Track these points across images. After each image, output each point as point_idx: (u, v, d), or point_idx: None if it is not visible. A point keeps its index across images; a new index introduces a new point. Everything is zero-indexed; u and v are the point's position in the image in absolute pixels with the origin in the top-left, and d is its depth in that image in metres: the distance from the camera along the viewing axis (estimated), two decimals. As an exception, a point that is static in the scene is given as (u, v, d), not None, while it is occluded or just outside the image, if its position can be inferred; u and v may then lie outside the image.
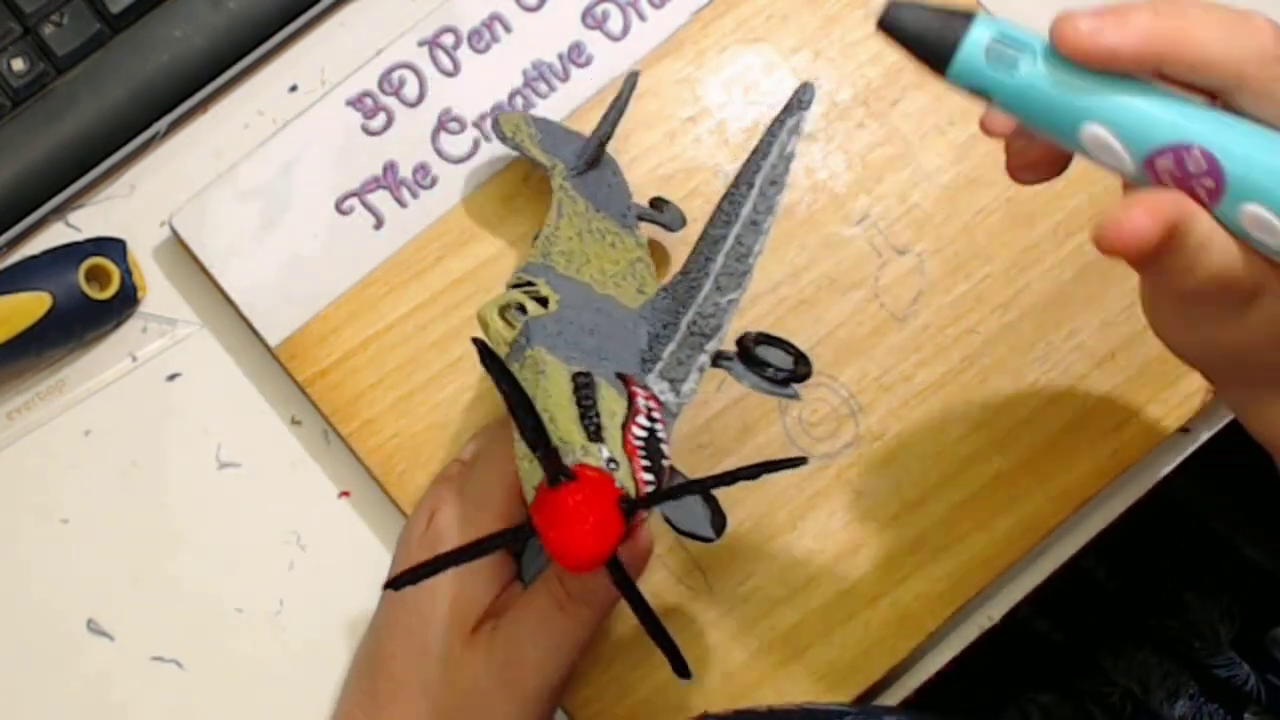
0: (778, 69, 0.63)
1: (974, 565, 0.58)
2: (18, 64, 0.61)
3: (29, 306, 0.59)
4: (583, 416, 0.45)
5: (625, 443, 0.45)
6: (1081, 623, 0.77)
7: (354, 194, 0.62)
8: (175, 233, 0.61)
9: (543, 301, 0.51)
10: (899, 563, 0.58)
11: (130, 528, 0.61)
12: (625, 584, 0.46)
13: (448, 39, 0.62)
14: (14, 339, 0.59)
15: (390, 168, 0.62)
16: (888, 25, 0.43)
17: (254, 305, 0.61)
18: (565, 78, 0.62)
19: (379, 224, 0.61)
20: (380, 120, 0.62)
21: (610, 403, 0.46)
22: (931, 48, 0.43)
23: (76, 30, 0.61)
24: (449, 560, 0.45)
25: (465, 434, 0.59)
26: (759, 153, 0.51)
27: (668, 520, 0.51)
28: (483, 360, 0.45)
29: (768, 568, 0.58)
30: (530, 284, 0.51)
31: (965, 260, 0.61)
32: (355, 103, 0.62)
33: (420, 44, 0.63)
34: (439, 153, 0.62)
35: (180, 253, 0.62)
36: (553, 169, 0.57)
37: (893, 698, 0.59)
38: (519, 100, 0.62)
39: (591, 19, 0.63)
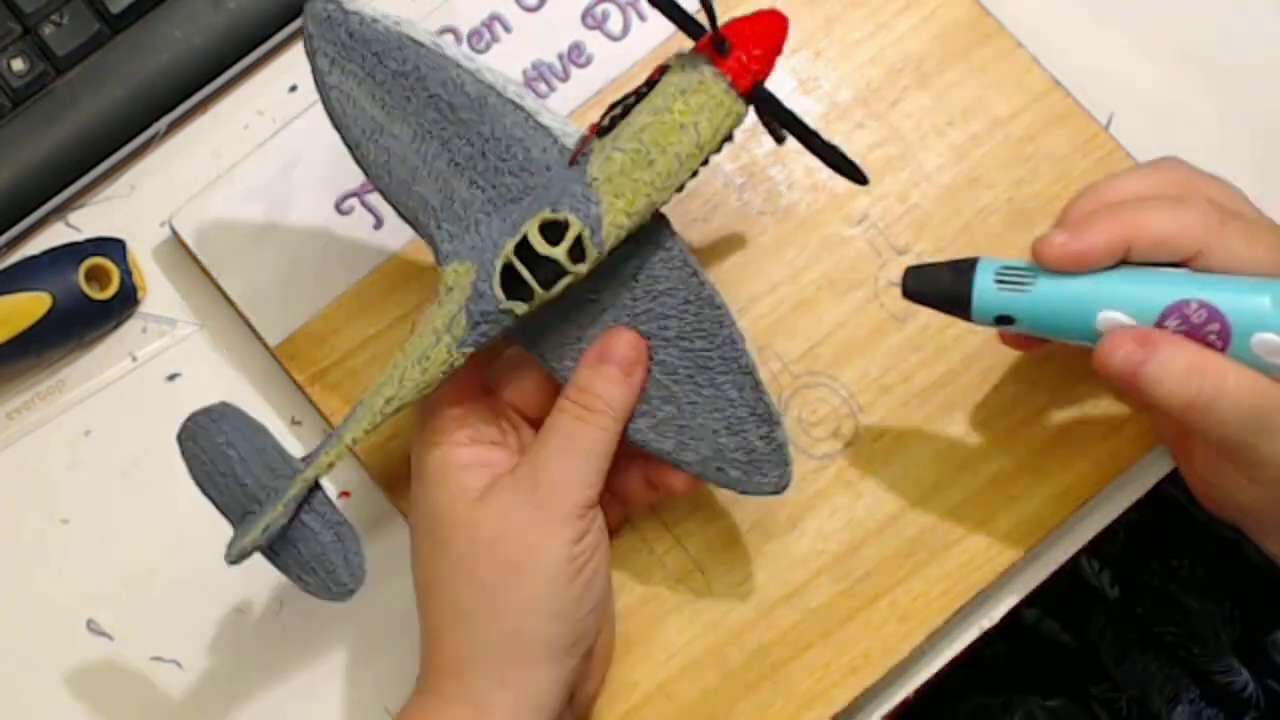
0: (777, 69, 0.62)
1: (973, 565, 0.58)
2: (18, 64, 0.61)
3: (29, 306, 0.59)
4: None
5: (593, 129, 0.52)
6: (1086, 628, 0.76)
7: (354, 194, 0.62)
8: (175, 233, 0.61)
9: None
10: (898, 563, 0.58)
11: (130, 528, 0.61)
12: (777, 104, 0.52)
13: (447, 39, 0.62)
14: (14, 339, 0.59)
15: (390, 168, 0.62)
16: (910, 293, 0.52)
17: (254, 305, 0.61)
18: (565, 78, 0.62)
19: (379, 224, 0.61)
20: (380, 120, 0.62)
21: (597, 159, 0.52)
22: (952, 300, 0.51)
23: (76, 30, 0.62)
24: None
25: (465, 434, 0.59)
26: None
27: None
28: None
29: (767, 568, 0.58)
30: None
31: (965, 260, 0.60)
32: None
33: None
34: (439, 153, 0.62)
35: (180, 253, 0.62)
36: None
37: (892, 699, 0.59)
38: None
39: (591, 19, 0.63)
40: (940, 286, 0.51)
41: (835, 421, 0.59)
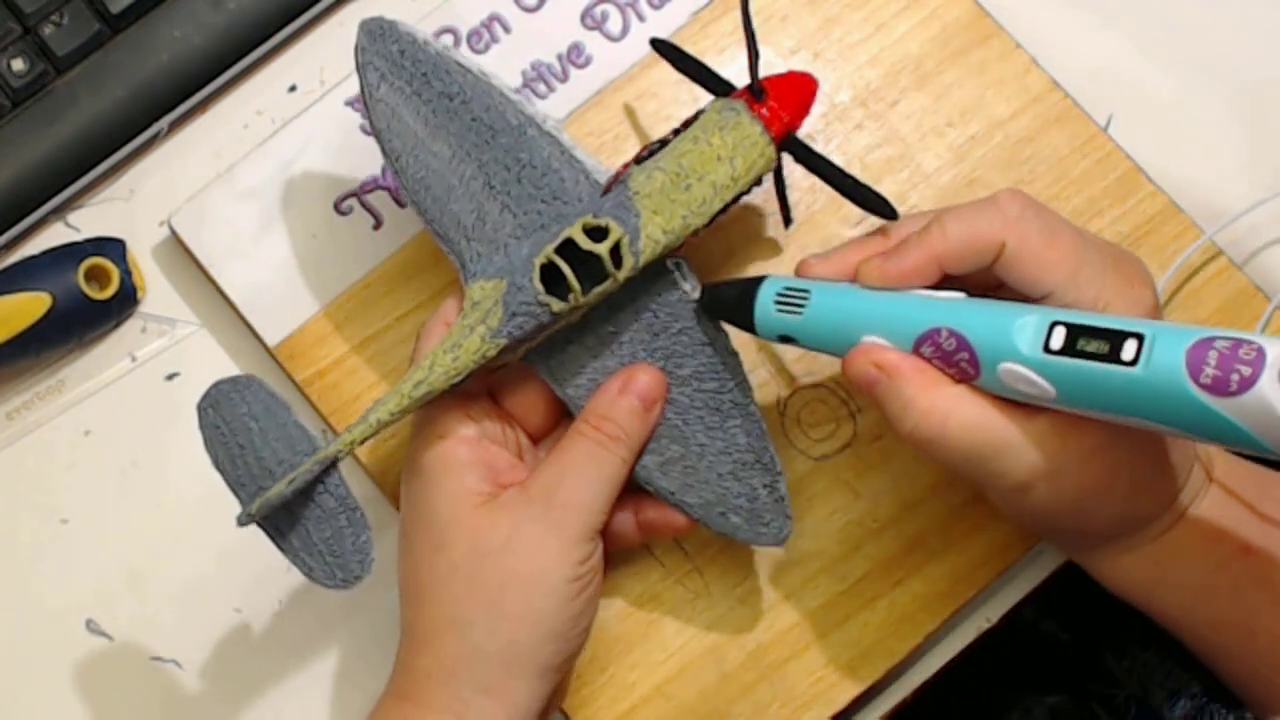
0: (777, 70, 0.62)
1: (972, 566, 0.58)
2: (18, 64, 0.61)
3: (29, 306, 0.60)
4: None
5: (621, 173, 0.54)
6: (1086, 623, 0.76)
7: (353, 194, 0.62)
8: (174, 233, 0.61)
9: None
10: (897, 564, 0.58)
11: (130, 528, 0.61)
12: (808, 151, 0.55)
13: (447, 39, 0.62)
14: (14, 339, 0.59)
15: (389, 168, 0.62)
16: (705, 308, 0.54)
17: (253, 305, 0.61)
18: (564, 78, 0.62)
19: (378, 224, 0.61)
20: (379, 121, 0.62)
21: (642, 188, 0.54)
22: (740, 321, 0.53)
23: (76, 30, 0.62)
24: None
25: (464, 435, 0.59)
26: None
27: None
28: (661, 51, 0.57)
29: (765, 569, 0.58)
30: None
31: (964, 261, 0.60)
32: (354, 103, 0.62)
33: (419, 44, 0.63)
34: (438, 153, 0.62)
35: (179, 253, 0.62)
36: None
37: (891, 699, 0.59)
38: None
39: (591, 20, 0.63)
40: (730, 306, 0.53)
41: (834, 422, 0.59)
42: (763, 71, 0.54)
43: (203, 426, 0.53)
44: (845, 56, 0.63)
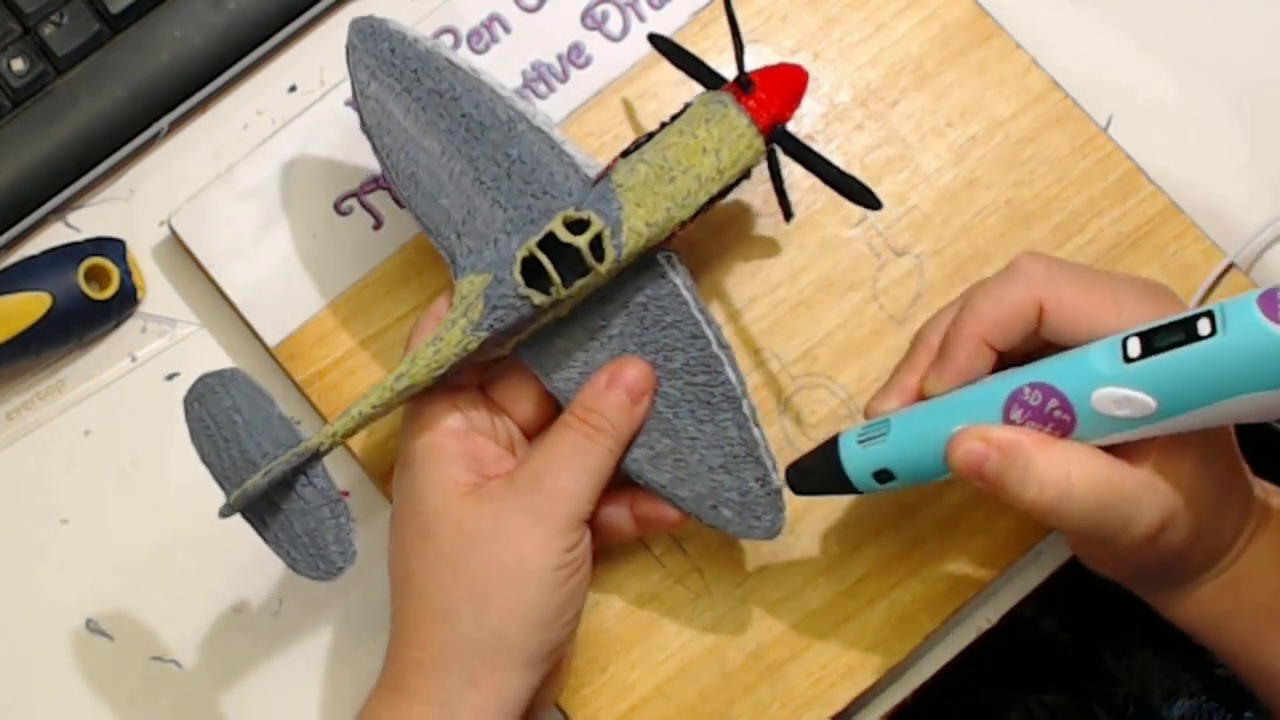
0: (777, 70, 0.62)
1: (971, 567, 0.58)
2: (18, 64, 0.61)
3: (29, 306, 0.60)
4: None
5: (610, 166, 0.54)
6: (1086, 623, 0.76)
7: (353, 194, 0.62)
8: (174, 233, 0.61)
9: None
10: (897, 564, 0.58)
11: (130, 528, 0.61)
12: (795, 142, 0.54)
13: (447, 40, 0.62)
14: (14, 339, 0.59)
15: (389, 168, 0.62)
16: (798, 490, 0.54)
17: (253, 305, 0.61)
18: (564, 78, 0.62)
19: (378, 224, 0.61)
20: (379, 121, 0.62)
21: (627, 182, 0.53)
22: (834, 478, 0.52)
23: (76, 30, 0.62)
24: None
25: (464, 435, 0.59)
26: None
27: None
28: (658, 45, 0.57)
29: (766, 570, 0.58)
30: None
31: (964, 262, 0.60)
32: (354, 103, 0.62)
33: (419, 45, 0.63)
34: (438, 153, 0.62)
35: (179, 253, 0.62)
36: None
37: (891, 699, 0.59)
38: (518, 101, 0.62)
39: (591, 20, 0.63)
40: (819, 472, 0.53)
41: (834, 423, 0.59)
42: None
43: (189, 420, 0.53)
44: (845, 56, 0.62)
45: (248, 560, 0.60)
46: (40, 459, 0.62)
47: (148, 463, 0.62)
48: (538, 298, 0.51)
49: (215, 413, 0.53)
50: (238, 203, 0.61)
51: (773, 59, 0.62)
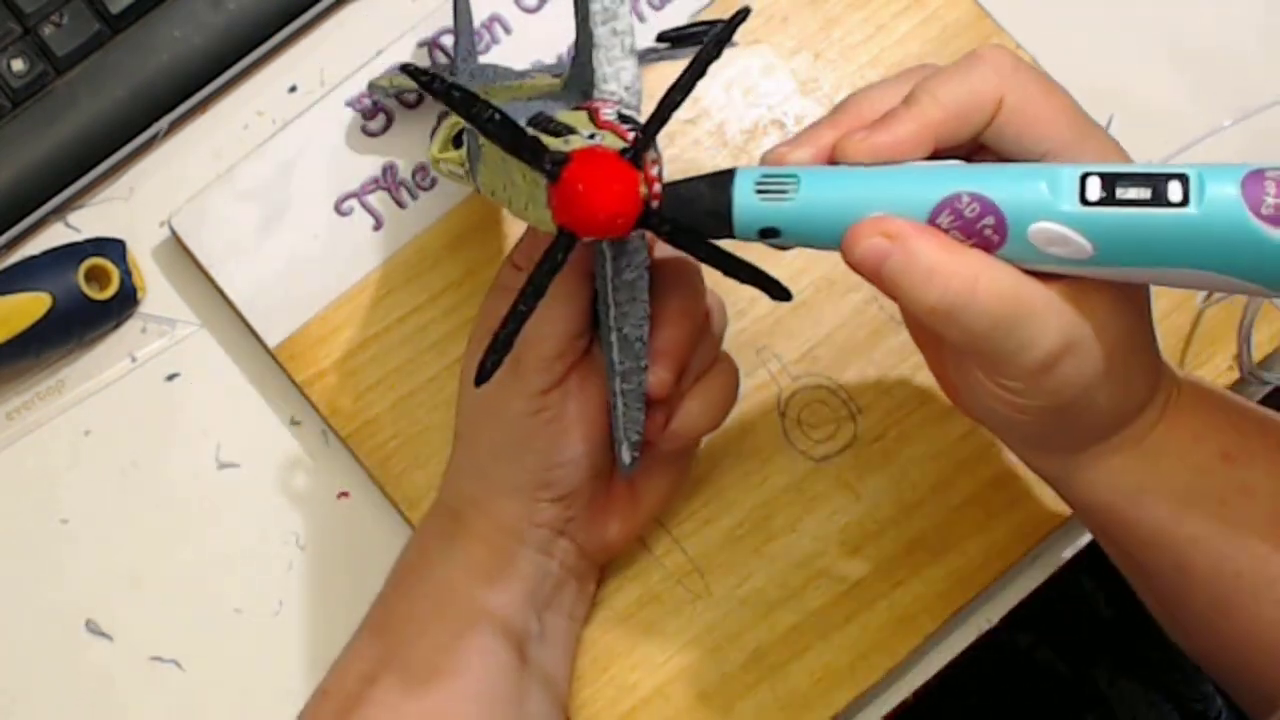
0: (777, 71, 0.62)
1: (972, 567, 0.58)
2: (18, 64, 0.61)
3: (29, 307, 0.59)
4: (550, 133, 0.46)
5: (598, 123, 0.46)
6: (1082, 652, 0.77)
7: (353, 195, 0.62)
8: (174, 233, 0.61)
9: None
10: (897, 565, 0.58)
11: (130, 528, 0.61)
12: (674, 231, 0.45)
13: (447, 40, 0.62)
14: (14, 339, 0.59)
15: (389, 169, 0.62)
16: (668, 213, 0.45)
17: (253, 306, 0.61)
18: (565, 79, 0.62)
19: (378, 225, 0.61)
20: (380, 121, 0.62)
21: (569, 117, 0.47)
22: (712, 216, 0.45)
23: (76, 30, 0.61)
24: (512, 314, 0.44)
25: (464, 435, 0.59)
26: None
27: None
28: (422, 84, 0.43)
29: (766, 570, 0.58)
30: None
31: (964, 262, 0.60)
32: (354, 103, 0.62)
33: (420, 45, 0.63)
34: (438, 154, 0.62)
35: (179, 253, 0.62)
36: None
37: (891, 700, 0.59)
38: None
39: (591, 20, 0.63)
40: (697, 204, 0.45)
41: (834, 423, 0.59)
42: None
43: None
44: (846, 57, 0.62)
45: (248, 560, 0.61)
46: (40, 459, 0.62)
47: (148, 463, 0.62)
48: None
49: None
50: (238, 203, 0.61)
51: (774, 59, 0.62)
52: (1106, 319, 0.45)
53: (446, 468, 0.57)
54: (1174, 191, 0.41)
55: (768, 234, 0.45)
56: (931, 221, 0.43)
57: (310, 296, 0.61)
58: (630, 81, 0.48)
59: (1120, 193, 0.41)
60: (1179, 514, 0.49)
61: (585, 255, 0.49)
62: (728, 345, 0.55)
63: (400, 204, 0.61)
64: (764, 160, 0.46)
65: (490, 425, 0.54)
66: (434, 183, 0.62)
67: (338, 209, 0.62)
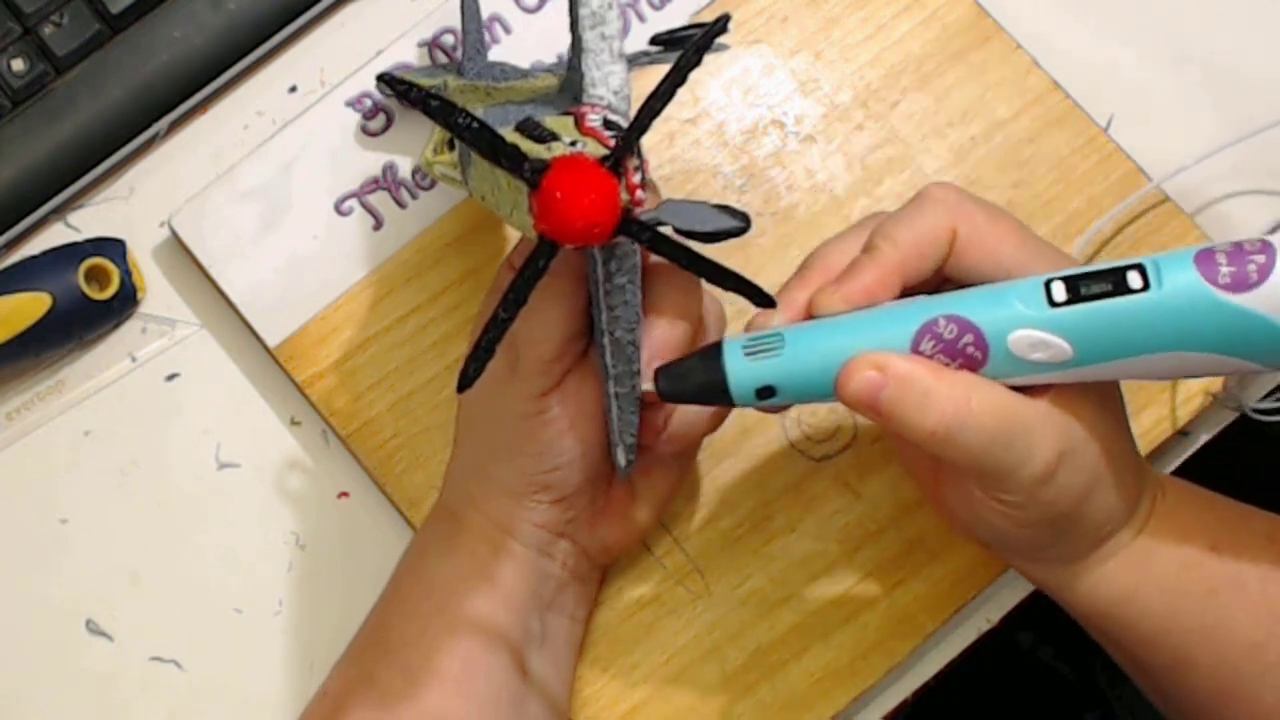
0: (777, 71, 0.63)
1: (972, 567, 0.58)
2: (18, 64, 0.61)
3: (29, 307, 0.59)
4: (535, 138, 0.46)
5: (582, 130, 0.46)
6: (1083, 651, 0.77)
7: (353, 195, 0.62)
8: (174, 233, 0.61)
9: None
10: (897, 565, 0.58)
11: (130, 528, 0.61)
12: (654, 238, 0.46)
13: (447, 40, 0.62)
14: (14, 339, 0.59)
15: (389, 169, 0.62)
16: (665, 394, 0.49)
17: (253, 306, 0.61)
18: (565, 79, 0.62)
19: (378, 225, 0.61)
20: (380, 121, 0.62)
21: (555, 123, 0.47)
22: (709, 388, 0.48)
23: (76, 30, 0.61)
24: (494, 321, 0.45)
25: (464, 435, 0.59)
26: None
27: (683, 232, 0.48)
28: (399, 94, 0.43)
29: (766, 570, 0.58)
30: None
31: (964, 262, 0.60)
32: (354, 103, 0.62)
33: (420, 45, 0.63)
34: (438, 154, 0.62)
35: (179, 253, 0.62)
36: (444, 84, 0.57)
37: (891, 700, 0.59)
38: (519, 101, 0.62)
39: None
40: (695, 380, 0.48)
41: (834, 423, 0.59)
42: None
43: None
44: (846, 57, 0.63)
45: (248, 560, 0.61)
46: (40, 459, 0.62)
47: (148, 463, 0.62)
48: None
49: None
50: (238, 203, 0.61)
51: (773, 59, 0.62)
52: (1094, 423, 0.47)
53: (447, 469, 0.57)
54: (1134, 279, 0.44)
55: (764, 394, 0.47)
56: (914, 350, 0.46)
57: (310, 296, 0.61)
58: (619, 86, 0.49)
59: (1085, 289, 0.44)
60: (1174, 609, 0.51)
61: (580, 258, 0.49)
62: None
63: (400, 204, 0.61)
64: (747, 327, 0.48)
65: (489, 427, 0.54)
66: (434, 183, 0.62)
67: (338, 209, 0.62)
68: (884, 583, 0.58)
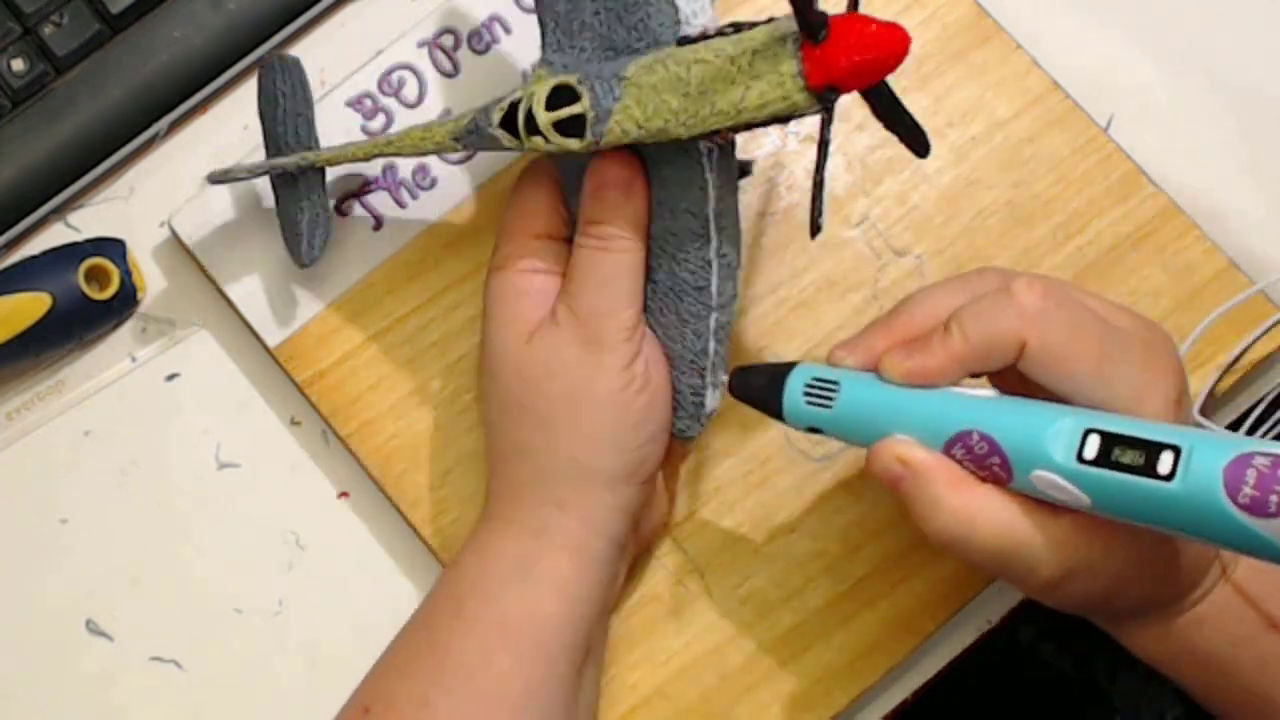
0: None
1: (972, 567, 0.58)
2: (18, 64, 0.61)
3: (29, 307, 0.59)
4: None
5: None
6: (1084, 648, 0.76)
7: (353, 195, 0.62)
8: (175, 233, 0.61)
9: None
10: (897, 564, 0.58)
11: (130, 528, 0.61)
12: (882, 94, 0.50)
13: (447, 40, 0.62)
14: (14, 339, 0.59)
15: (390, 169, 0.62)
16: (735, 391, 0.53)
17: (253, 306, 0.61)
18: (565, 79, 0.62)
19: (378, 225, 0.61)
20: (380, 121, 0.62)
21: (724, 40, 0.49)
22: (769, 409, 0.52)
23: (76, 30, 0.61)
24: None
25: (464, 435, 0.59)
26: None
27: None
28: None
29: (767, 570, 0.58)
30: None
31: (965, 262, 0.61)
32: (355, 104, 0.62)
33: (420, 45, 0.63)
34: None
35: (180, 253, 0.62)
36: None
37: (891, 700, 0.59)
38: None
39: (591, 20, 0.63)
40: (759, 392, 0.52)
41: (834, 423, 0.59)
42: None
43: (259, 81, 0.58)
44: (846, 57, 0.62)
45: (248, 560, 0.61)
46: (40, 459, 0.62)
47: (148, 463, 0.62)
48: (508, 140, 0.52)
49: (266, 89, 0.58)
50: (238, 203, 0.61)
51: (773, 59, 0.62)
52: (1113, 547, 0.48)
53: (493, 496, 0.55)
54: (1164, 463, 0.44)
55: (813, 430, 0.51)
56: (947, 450, 0.48)
57: (310, 296, 0.61)
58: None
59: (1116, 455, 0.45)
60: (1216, 680, 0.53)
61: (643, 212, 0.52)
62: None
63: (400, 204, 0.61)
64: (828, 358, 0.51)
65: (579, 418, 0.52)
66: (434, 183, 0.62)
67: (338, 209, 0.61)
68: (884, 583, 0.58)
